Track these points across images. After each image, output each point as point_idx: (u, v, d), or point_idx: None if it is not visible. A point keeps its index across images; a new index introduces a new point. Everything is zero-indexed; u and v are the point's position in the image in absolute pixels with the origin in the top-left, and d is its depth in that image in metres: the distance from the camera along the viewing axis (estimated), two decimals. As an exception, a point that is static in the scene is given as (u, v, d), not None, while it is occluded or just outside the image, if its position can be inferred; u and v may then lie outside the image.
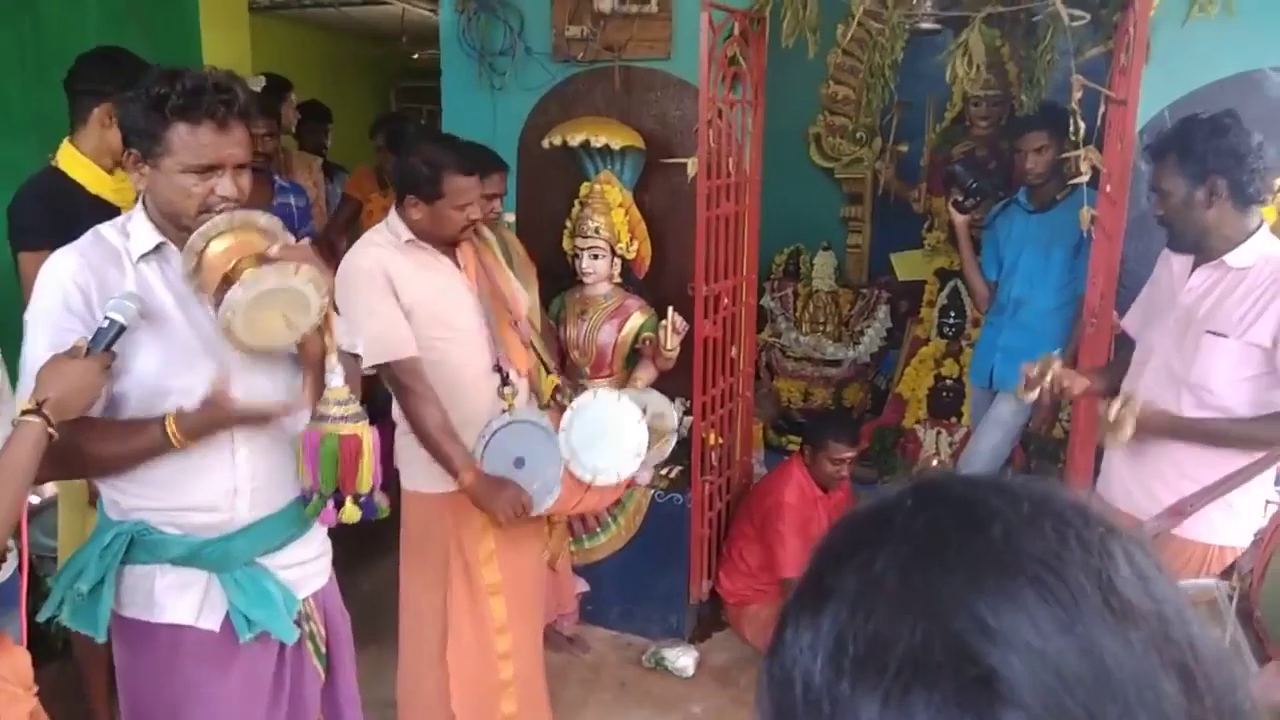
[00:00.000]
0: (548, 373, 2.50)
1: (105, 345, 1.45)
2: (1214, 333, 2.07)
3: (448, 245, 2.33)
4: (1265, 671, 1.49)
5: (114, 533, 1.59)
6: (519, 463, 2.28)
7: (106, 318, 1.46)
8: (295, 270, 1.49)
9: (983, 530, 0.46)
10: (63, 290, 1.51)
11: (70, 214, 2.15)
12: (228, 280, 1.47)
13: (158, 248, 1.57)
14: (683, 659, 3.10)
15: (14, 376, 1.61)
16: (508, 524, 2.25)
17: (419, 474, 2.32)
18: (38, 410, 1.39)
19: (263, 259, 1.50)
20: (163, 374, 1.54)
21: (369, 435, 1.68)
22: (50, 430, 1.39)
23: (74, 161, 2.32)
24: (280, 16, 5.90)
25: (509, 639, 2.40)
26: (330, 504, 1.66)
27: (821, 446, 3.18)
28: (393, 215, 2.30)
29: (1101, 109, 2.71)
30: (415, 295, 2.21)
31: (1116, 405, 2.09)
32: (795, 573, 3.07)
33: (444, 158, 2.23)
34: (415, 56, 6.82)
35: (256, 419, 1.58)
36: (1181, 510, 1.96)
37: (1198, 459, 2.10)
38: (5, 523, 1.37)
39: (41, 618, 1.62)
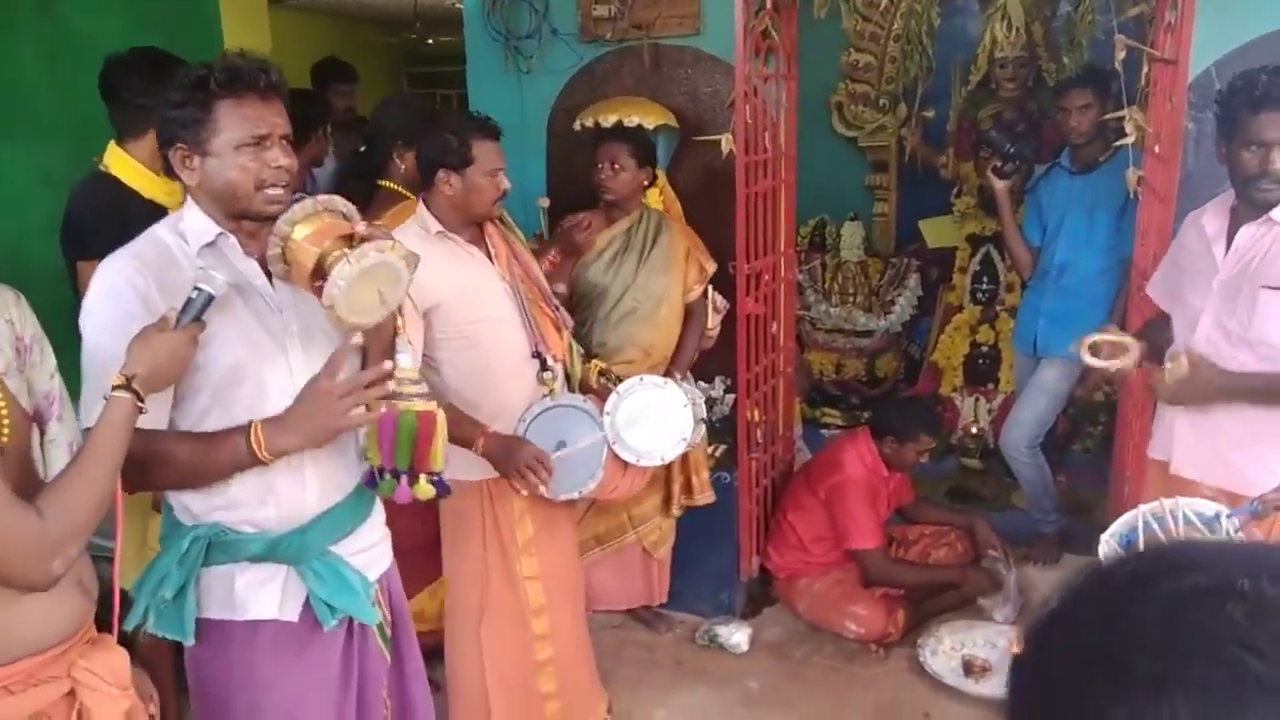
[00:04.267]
0: (588, 358, 2.49)
1: (195, 315, 1.44)
2: (1270, 287, 2.05)
3: (477, 230, 2.32)
4: None
5: (191, 537, 1.59)
6: (560, 445, 2.29)
7: (196, 288, 1.45)
8: (392, 245, 1.53)
9: None
10: (120, 298, 1.50)
11: (126, 219, 2.14)
12: (321, 264, 1.47)
13: (214, 240, 1.58)
14: (736, 635, 3.12)
15: (72, 390, 1.61)
16: (528, 485, 2.23)
17: (454, 460, 2.31)
18: (127, 385, 1.37)
19: (349, 239, 1.51)
20: (236, 364, 1.55)
21: (440, 413, 1.75)
22: (140, 405, 1.39)
23: (126, 166, 2.30)
24: (295, 7, 5.87)
25: (545, 621, 2.42)
26: (404, 481, 1.72)
27: (911, 438, 3.18)
28: (421, 209, 2.29)
29: (1145, 69, 2.68)
30: (448, 288, 2.20)
31: (1169, 369, 2.08)
32: (871, 543, 3.11)
33: (468, 124, 2.27)
34: (429, 42, 6.79)
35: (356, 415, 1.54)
36: None
37: (1267, 416, 2.08)
38: (102, 501, 1.35)
39: (128, 626, 1.61)
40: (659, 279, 2.95)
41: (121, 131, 2.35)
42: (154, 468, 1.50)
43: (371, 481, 1.76)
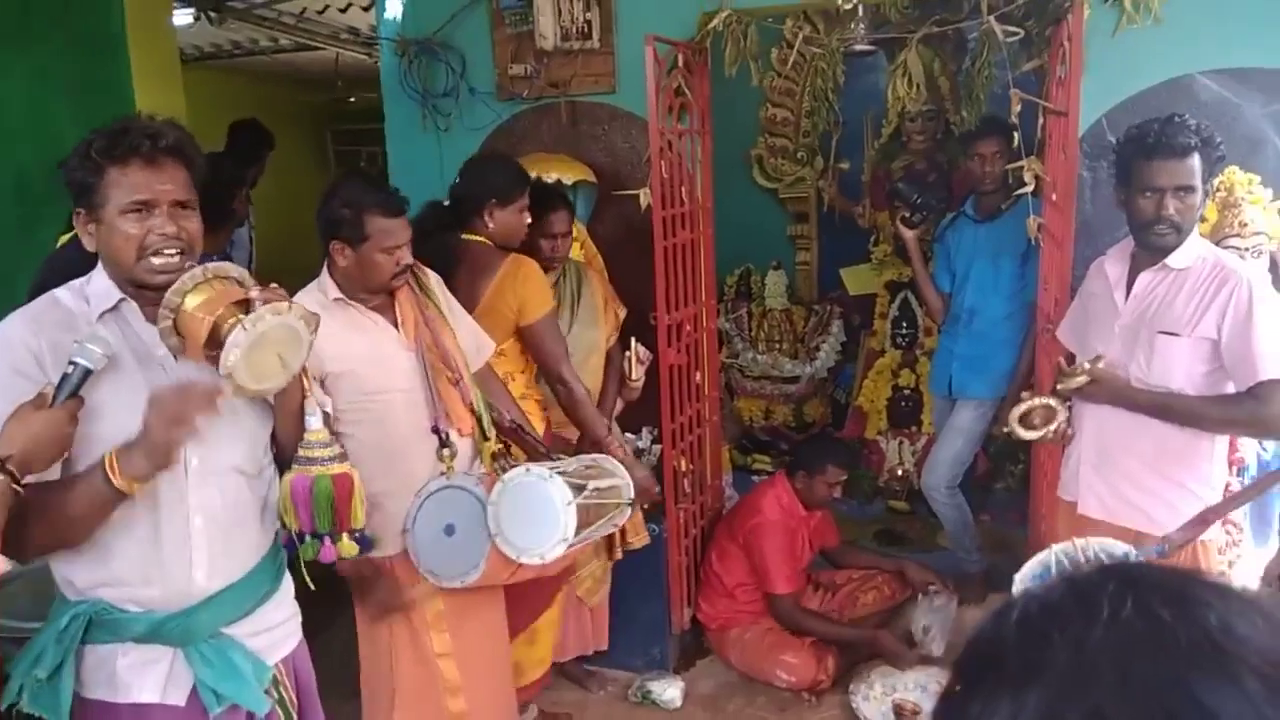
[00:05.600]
0: (485, 437, 2.33)
1: (71, 392, 1.39)
2: (1166, 333, 2.13)
3: (383, 297, 2.23)
4: None
5: (71, 614, 1.53)
6: (449, 530, 2.17)
7: (71, 362, 1.40)
8: (289, 307, 1.49)
9: (1198, 618, 0.48)
10: (11, 353, 1.46)
11: None
12: (216, 332, 1.43)
13: (117, 305, 1.54)
14: (669, 691, 3.08)
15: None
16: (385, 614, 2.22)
17: None
18: (1, 466, 1.32)
19: (243, 305, 1.47)
20: (126, 437, 1.47)
21: (356, 472, 1.75)
22: (16, 487, 1.33)
23: None
24: (212, 67, 5.83)
25: (462, 700, 2.32)
26: (326, 542, 1.71)
27: (819, 470, 3.19)
28: (323, 273, 2.22)
29: (1040, 120, 2.80)
30: (342, 358, 2.10)
31: (1082, 366, 2.17)
32: (785, 589, 3.11)
33: (365, 198, 2.13)
34: (351, 100, 6.79)
35: (191, 416, 1.42)
36: (1206, 519, 2.00)
37: (1165, 454, 2.16)
38: None
39: (3, 705, 1.56)
40: (589, 332, 2.96)
41: None
42: (22, 524, 1.40)
43: (292, 545, 1.72)
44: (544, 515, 2.11)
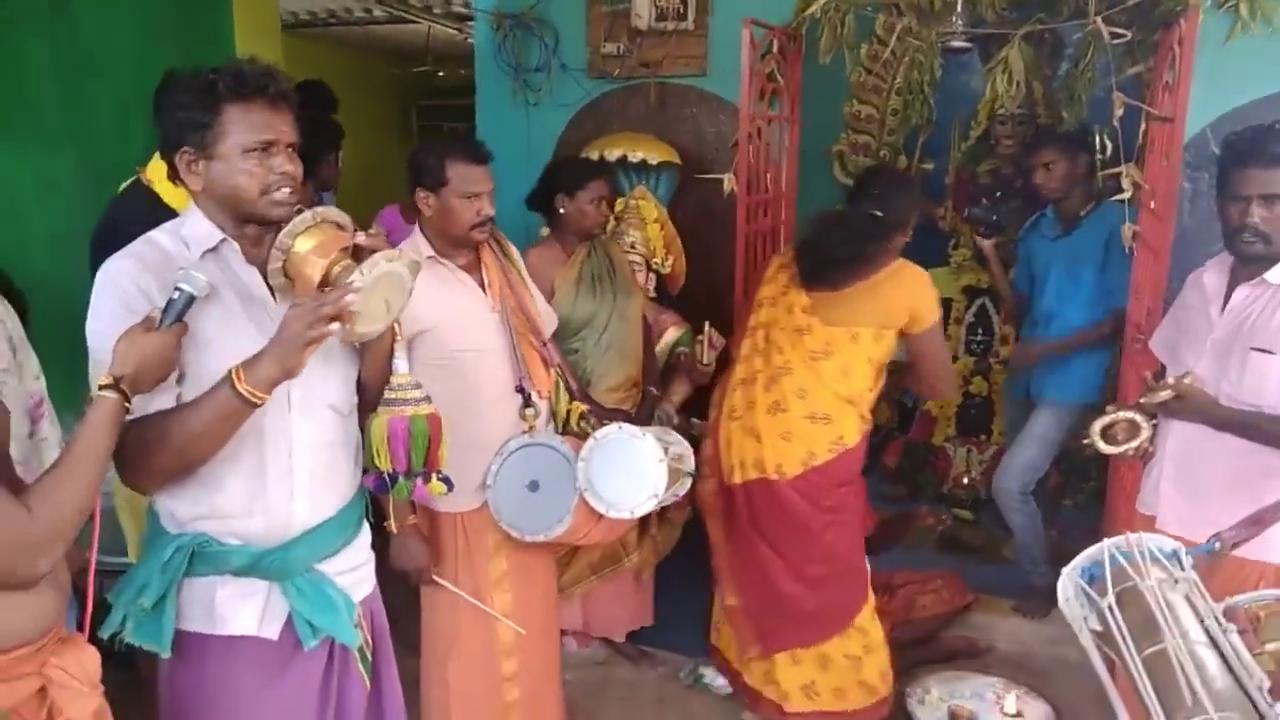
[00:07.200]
0: (571, 398, 2.44)
1: (176, 316, 1.44)
2: (1260, 349, 2.07)
3: (470, 257, 2.31)
4: None
5: (174, 546, 1.57)
6: (533, 486, 2.24)
7: (176, 288, 1.44)
8: (398, 254, 1.53)
9: None
10: (122, 292, 1.49)
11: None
12: (327, 276, 1.47)
13: (217, 246, 1.57)
14: (721, 676, 3.07)
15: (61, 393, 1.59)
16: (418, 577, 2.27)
17: None
18: (115, 386, 1.36)
19: (348, 250, 1.51)
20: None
21: (441, 414, 1.77)
22: (127, 405, 1.38)
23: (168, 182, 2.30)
24: (308, 35, 5.96)
25: (515, 662, 2.37)
26: (419, 482, 1.74)
27: None
28: (416, 233, 2.29)
29: (1142, 126, 2.72)
30: (434, 314, 2.17)
31: (1167, 382, 2.14)
32: None
33: (449, 146, 2.24)
34: (439, 74, 6.89)
35: (327, 325, 1.43)
36: (1262, 519, 1.94)
37: (1247, 473, 2.09)
38: (88, 501, 1.34)
39: (104, 634, 1.59)
40: (633, 298, 2.99)
41: None
42: (145, 449, 1.46)
43: (381, 486, 1.74)
44: (637, 471, 2.22)
